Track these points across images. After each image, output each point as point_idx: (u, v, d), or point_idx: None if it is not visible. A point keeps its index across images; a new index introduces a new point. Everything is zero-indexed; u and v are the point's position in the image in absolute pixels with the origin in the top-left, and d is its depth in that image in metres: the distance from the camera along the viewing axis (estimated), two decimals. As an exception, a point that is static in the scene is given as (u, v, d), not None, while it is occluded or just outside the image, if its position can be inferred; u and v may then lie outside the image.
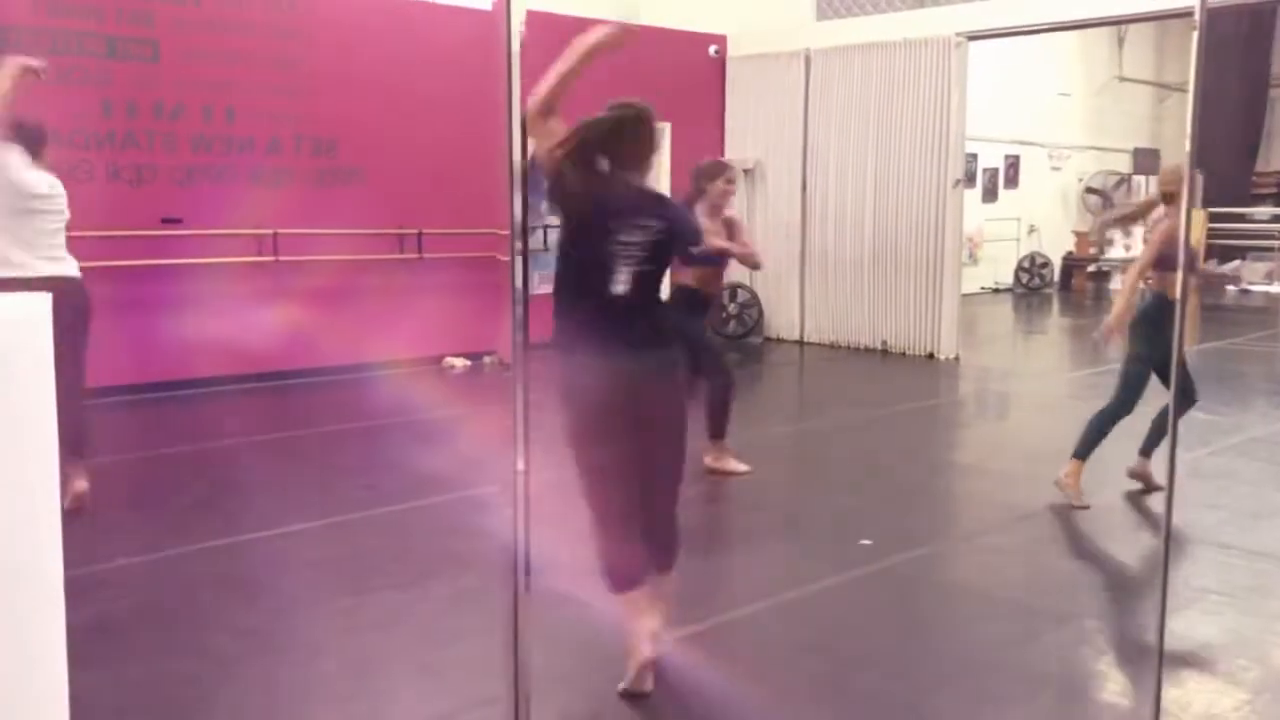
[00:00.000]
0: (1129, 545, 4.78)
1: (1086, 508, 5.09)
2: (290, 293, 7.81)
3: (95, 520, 4.80)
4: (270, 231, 7.89)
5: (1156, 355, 5.05)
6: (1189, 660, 3.49)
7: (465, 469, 5.28)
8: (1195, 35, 1.83)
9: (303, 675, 3.37)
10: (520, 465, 1.59)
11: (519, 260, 1.60)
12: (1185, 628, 3.74)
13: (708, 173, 5.57)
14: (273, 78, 8.21)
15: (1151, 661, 2.19)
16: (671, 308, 5.51)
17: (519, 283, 1.60)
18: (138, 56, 7.59)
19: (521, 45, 1.58)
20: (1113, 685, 3.34)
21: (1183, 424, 6.34)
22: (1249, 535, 4.80)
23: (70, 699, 2.11)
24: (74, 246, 6.41)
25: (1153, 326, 5.02)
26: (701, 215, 5.39)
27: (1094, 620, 3.83)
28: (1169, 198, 5.06)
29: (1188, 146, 1.94)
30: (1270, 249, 16.44)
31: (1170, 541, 2.11)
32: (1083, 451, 5.21)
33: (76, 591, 3.92)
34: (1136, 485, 5.41)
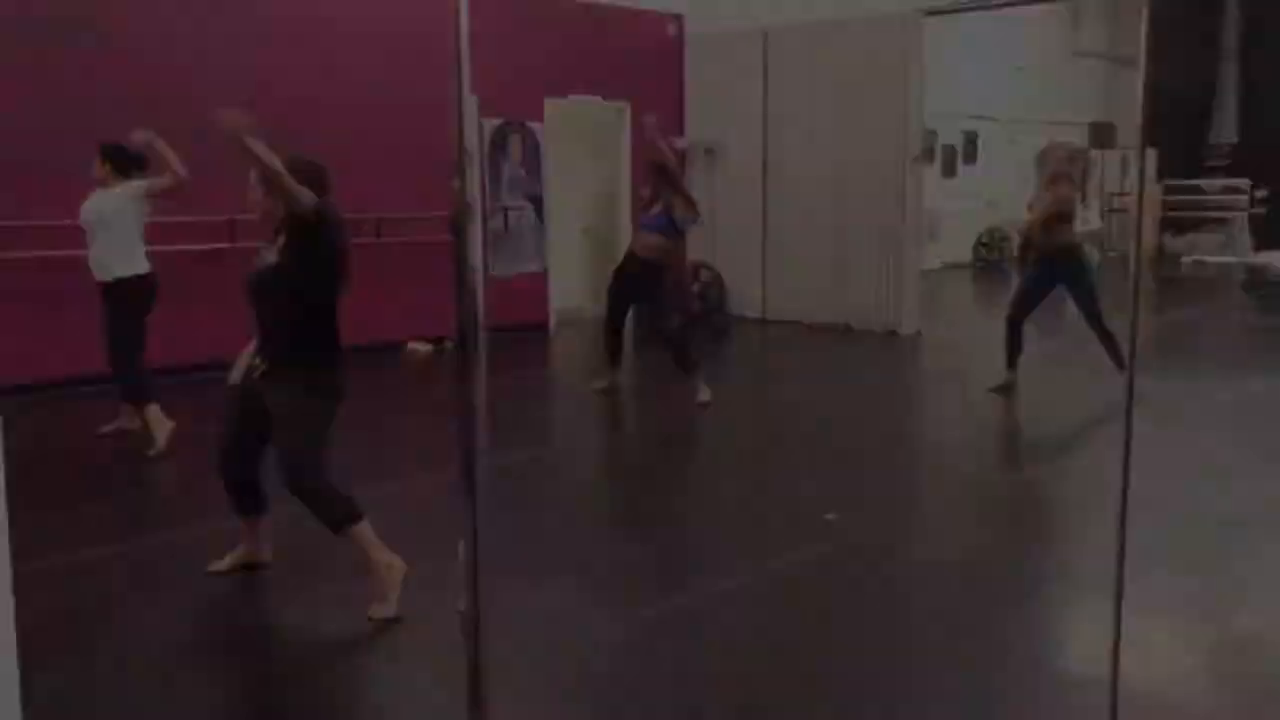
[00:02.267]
0: (1086, 511, 4.85)
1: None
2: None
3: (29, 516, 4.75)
4: (225, 218, 7.78)
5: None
6: (1146, 624, 3.55)
7: (424, 456, 5.26)
8: (1144, 12, 1.84)
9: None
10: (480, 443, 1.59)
11: (474, 241, 1.60)
12: (1140, 593, 3.80)
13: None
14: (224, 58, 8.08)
15: (1111, 627, 2.23)
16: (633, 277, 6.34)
17: (474, 261, 1.61)
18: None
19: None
20: (1077, 651, 3.40)
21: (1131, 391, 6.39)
22: (1201, 501, 4.89)
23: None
24: None
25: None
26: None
27: (1057, 588, 3.89)
28: (1052, 178, 6.82)
29: (1139, 120, 1.97)
30: (1224, 220, 16.68)
31: (1127, 508, 2.14)
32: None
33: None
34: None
